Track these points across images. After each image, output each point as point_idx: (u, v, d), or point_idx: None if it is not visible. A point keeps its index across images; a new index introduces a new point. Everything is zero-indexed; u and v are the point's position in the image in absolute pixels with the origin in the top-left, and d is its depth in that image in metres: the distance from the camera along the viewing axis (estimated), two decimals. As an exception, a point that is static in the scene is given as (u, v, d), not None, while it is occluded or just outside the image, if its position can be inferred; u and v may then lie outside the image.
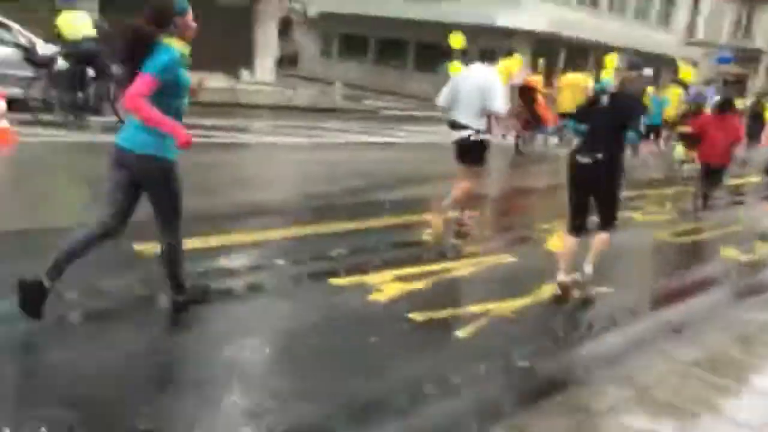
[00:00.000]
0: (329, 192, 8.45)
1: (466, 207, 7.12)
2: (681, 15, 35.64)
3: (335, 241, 6.17)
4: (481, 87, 6.53)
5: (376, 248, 6.17)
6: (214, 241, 5.63)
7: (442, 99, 6.86)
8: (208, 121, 11.72)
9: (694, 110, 12.76)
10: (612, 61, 13.68)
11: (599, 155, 5.09)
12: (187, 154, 3.81)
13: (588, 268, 5.42)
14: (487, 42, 24.27)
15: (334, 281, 5.14)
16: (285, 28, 38.57)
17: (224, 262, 5.30)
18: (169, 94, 3.63)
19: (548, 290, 5.47)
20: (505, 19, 25.89)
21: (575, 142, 6.01)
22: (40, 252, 4.00)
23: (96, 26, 10.23)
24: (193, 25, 3.80)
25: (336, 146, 12.69)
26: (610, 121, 5.12)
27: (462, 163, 6.85)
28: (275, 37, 20.75)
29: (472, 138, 6.63)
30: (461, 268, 5.86)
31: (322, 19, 33.13)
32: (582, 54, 28.09)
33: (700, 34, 37.96)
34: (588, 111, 5.43)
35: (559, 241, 7.07)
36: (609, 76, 12.69)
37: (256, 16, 20.01)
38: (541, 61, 15.13)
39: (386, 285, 5.15)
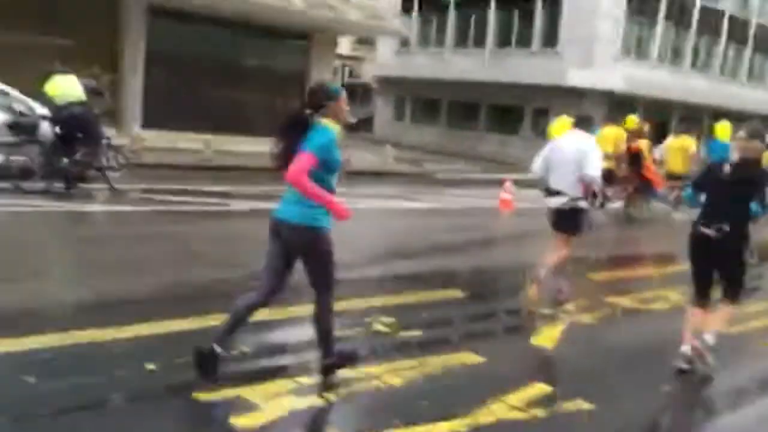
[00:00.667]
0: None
1: (560, 273, 6.77)
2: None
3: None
4: (577, 154, 6.41)
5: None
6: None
7: (536, 166, 6.73)
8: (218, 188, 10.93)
9: None
10: (723, 128, 13.10)
11: (725, 227, 4.85)
12: None
13: (709, 338, 5.00)
14: (562, 102, 23.10)
15: (202, 396, 3.95)
16: (364, 93, 38.45)
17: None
18: (324, 171, 3.90)
19: (497, 411, 4.09)
20: (578, 79, 24.53)
21: (688, 210, 5.83)
22: None
23: (85, 88, 9.68)
24: (346, 108, 4.06)
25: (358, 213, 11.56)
26: (733, 193, 4.92)
27: (558, 230, 6.71)
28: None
29: (568, 205, 6.51)
30: (395, 373, 4.53)
31: (396, 83, 32.73)
32: (663, 113, 26.30)
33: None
34: (708, 180, 5.23)
35: (552, 338, 5.67)
36: (723, 139, 12.61)
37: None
38: (646, 127, 13.74)
39: (270, 402, 3.93)
